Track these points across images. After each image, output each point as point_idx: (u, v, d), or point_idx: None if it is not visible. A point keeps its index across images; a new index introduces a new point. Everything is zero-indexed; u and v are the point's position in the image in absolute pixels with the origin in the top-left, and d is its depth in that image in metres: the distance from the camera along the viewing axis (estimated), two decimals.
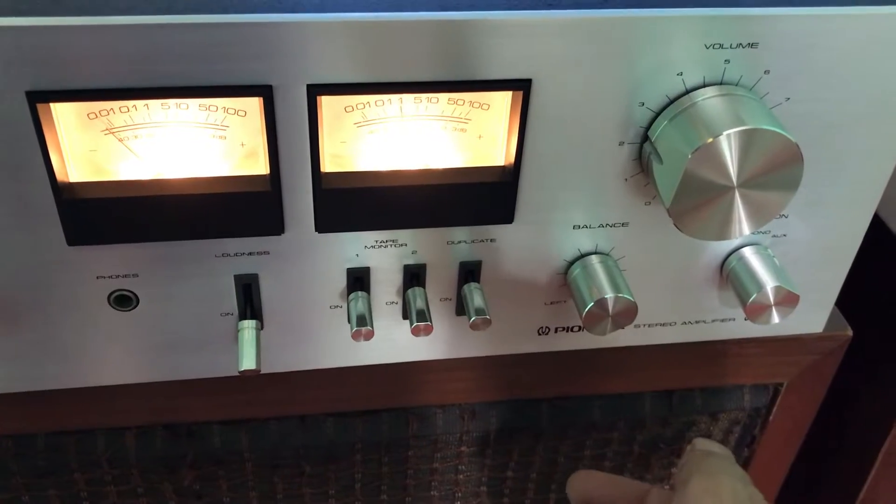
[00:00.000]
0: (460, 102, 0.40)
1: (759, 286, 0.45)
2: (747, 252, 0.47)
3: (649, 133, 0.40)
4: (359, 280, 0.44)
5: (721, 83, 0.39)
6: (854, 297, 0.56)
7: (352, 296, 0.44)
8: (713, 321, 0.51)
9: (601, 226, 0.44)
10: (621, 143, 0.41)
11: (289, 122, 0.38)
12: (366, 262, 0.44)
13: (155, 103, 0.37)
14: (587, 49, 0.38)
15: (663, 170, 0.39)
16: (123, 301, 0.43)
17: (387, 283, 0.45)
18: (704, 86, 0.39)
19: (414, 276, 0.45)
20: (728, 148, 0.37)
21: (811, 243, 0.48)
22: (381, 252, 0.44)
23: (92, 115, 0.37)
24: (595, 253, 0.46)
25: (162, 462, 0.53)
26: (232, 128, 0.39)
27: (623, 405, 0.57)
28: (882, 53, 0.40)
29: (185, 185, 0.39)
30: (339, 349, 0.48)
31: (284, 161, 0.39)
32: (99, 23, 0.33)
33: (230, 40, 0.35)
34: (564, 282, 0.46)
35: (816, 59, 0.40)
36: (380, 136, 0.40)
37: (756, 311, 0.46)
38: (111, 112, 0.37)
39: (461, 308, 0.46)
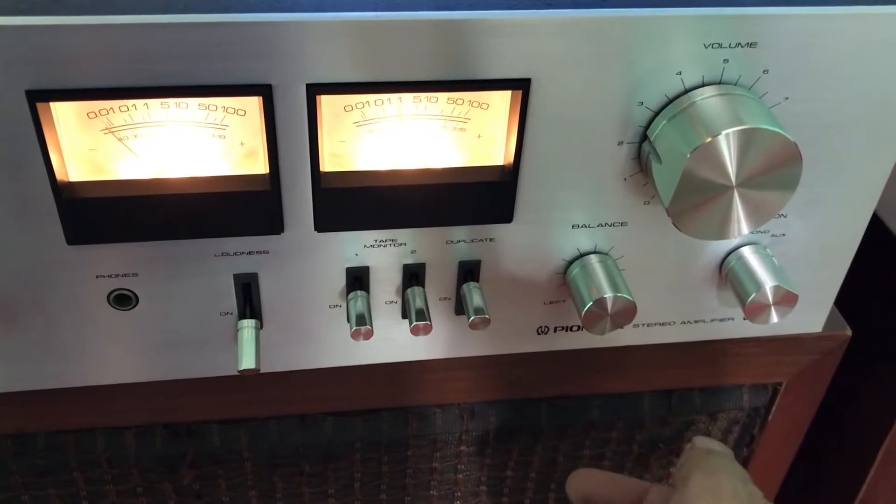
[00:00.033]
0: (459, 102, 0.40)
1: (758, 286, 0.45)
2: (746, 251, 0.47)
3: (648, 132, 0.40)
4: (358, 279, 0.44)
5: (720, 83, 0.39)
6: (853, 296, 0.56)
7: (351, 295, 0.44)
8: (712, 321, 0.51)
9: (600, 225, 0.44)
10: (620, 143, 0.41)
11: (288, 122, 0.38)
12: (365, 261, 0.44)
13: (154, 103, 0.37)
14: (586, 49, 0.38)
15: (662, 169, 0.39)
16: (123, 300, 0.43)
17: (386, 283, 0.45)
18: (703, 85, 0.39)
19: (413, 275, 0.45)
20: (727, 147, 0.37)
21: (810, 243, 0.48)
22: (380, 251, 0.44)
23: (92, 115, 0.37)
24: (594, 252, 0.46)
25: (161, 461, 0.53)
26: (231, 127, 0.39)
27: (622, 405, 0.57)
28: (881, 53, 0.40)
29: (184, 185, 0.39)
30: (338, 348, 0.48)
31: (284, 160, 0.39)
32: (99, 22, 0.33)
33: (229, 40, 0.35)
34: (563, 281, 0.46)
35: (815, 59, 0.40)
36: (379, 136, 0.40)
37: (755, 311, 0.46)
38: (111, 111, 0.37)
39: (460, 307, 0.46)
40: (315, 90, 0.37)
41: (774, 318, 0.46)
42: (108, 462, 0.52)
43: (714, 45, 0.38)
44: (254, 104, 0.38)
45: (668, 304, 0.49)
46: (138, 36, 0.34)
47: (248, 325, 0.44)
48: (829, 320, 0.53)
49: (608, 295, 0.44)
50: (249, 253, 0.42)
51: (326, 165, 0.40)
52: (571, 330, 0.49)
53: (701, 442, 0.45)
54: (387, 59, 0.37)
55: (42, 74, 0.34)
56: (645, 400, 0.57)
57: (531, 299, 0.47)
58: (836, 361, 0.58)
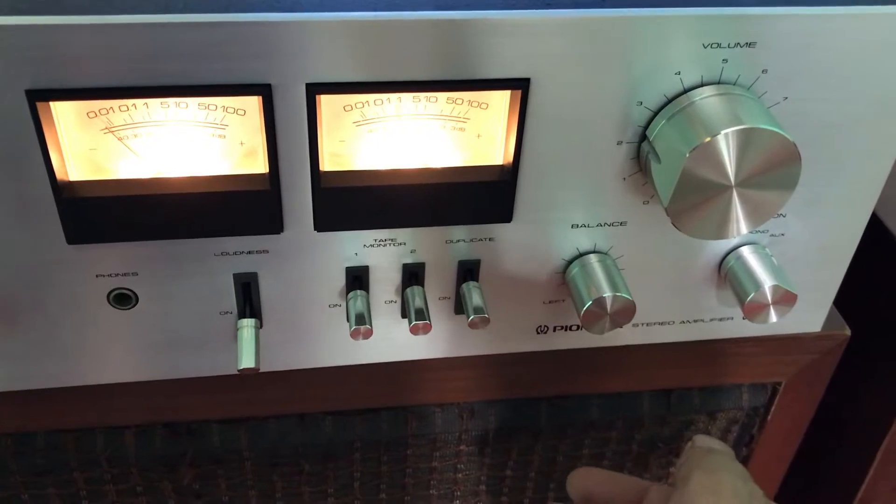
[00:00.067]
0: (459, 102, 0.40)
1: (757, 285, 0.45)
2: (745, 251, 0.47)
3: (647, 132, 0.40)
4: (358, 279, 0.45)
5: (719, 82, 0.39)
6: (852, 296, 0.56)
7: (350, 294, 0.44)
8: (711, 320, 0.51)
9: (599, 225, 0.45)
10: (619, 143, 0.41)
11: (288, 121, 0.38)
12: (365, 260, 0.44)
13: (154, 102, 0.37)
14: (585, 48, 0.38)
15: (661, 169, 0.39)
16: (123, 300, 0.43)
17: (386, 282, 0.45)
18: (702, 85, 0.39)
19: (413, 274, 0.45)
20: (726, 147, 0.37)
21: (809, 242, 0.48)
22: (379, 251, 0.44)
23: (91, 114, 0.37)
24: (593, 252, 0.46)
25: (161, 461, 0.53)
26: (231, 127, 0.39)
27: (621, 404, 0.57)
28: (880, 53, 0.40)
29: (184, 184, 0.39)
30: (337, 348, 0.48)
31: (283, 160, 0.39)
32: (98, 22, 0.34)
33: (229, 39, 0.35)
34: (563, 281, 0.46)
35: (814, 59, 0.40)
36: (379, 135, 0.40)
37: (754, 311, 0.46)
38: (111, 111, 0.37)
39: (460, 307, 0.46)
40: (315, 90, 0.37)
41: (773, 317, 0.46)
42: (108, 461, 0.52)
43: (713, 45, 0.38)
44: (253, 104, 0.38)
45: (667, 304, 0.49)
46: (138, 36, 0.34)
47: (247, 324, 0.44)
48: (829, 320, 0.53)
49: (607, 294, 0.44)
50: (249, 252, 0.42)
51: (326, 165, 0.40)
52: (571, 329, 0.49)
53: (701, 440, 0.45)
54: (386, 59, 0.37)
55: (42, 74, 0.34)
56: (644, 399, 0.57)
57: (530, 299, 0.47)
58: (836, 361, 0.58)
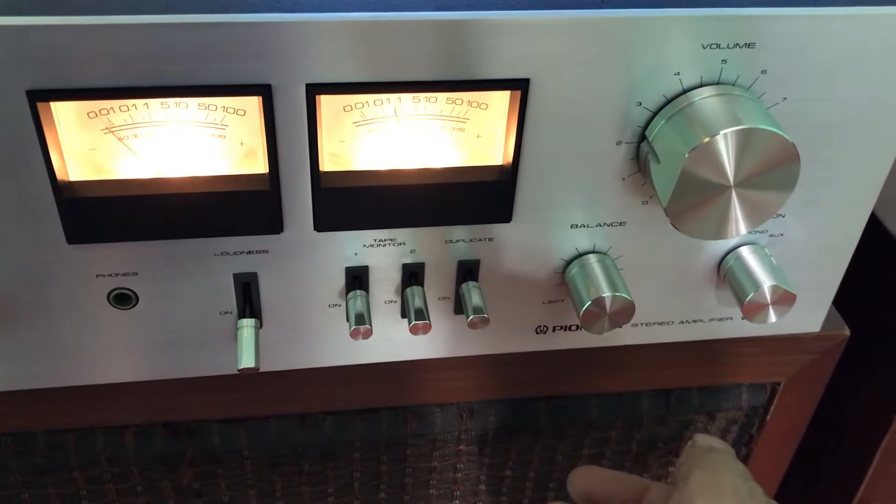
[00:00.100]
0: (459, 102, 0.40)
1: (756, 285, 0.45)
2: (744, 251, 0.47)
3: (647, 132, 0.41)
4: (357, 279, 0.45)
5: (718, 83, 0.40)
6: (851, 296, 0.56)
7: (350, 294, 0.45)
8: (710, 320, 0.51)
9: (599, 225, 0.45)
10: (619, 143, 0.41)
11: (288, 122, 0.38)
12: (364, 260, 0.44)
13: (154, 102, 0.37)
14: (585, 49, 0.38)
15: (660, 169, 0.39)
16: (123, 299, 0.43)
17: (385, 282, 0.45)
18: (701, 85, 0.39)
19: (412, 274, 0.45)
20: (725, 147, 0.37)
21: (808, 243, 0.48)
22: (379, 251, 0.44)
23: (92, 114, 0.37)
24: (593, 252, 0.46)
25: (161, 460, 0.53)
26: (231, 127, 0.39)
27: (621, 404, 0.57)
28: (880, 53, 0.40)
29: (184, 184, 0.39)
30: (337, 348, 0.48)
31: (283, 160, 0.39)
32: (99, 22, 0.34)
33: (229, 40, 0.35)
34: (562, 281, 0.47)
35: (813, 60, 0.40)
36: (378, 136, 0.40)
37: (753, 311, 0.46)
38: (111, 111, 0.37)
39: (459, 307, 0.46)
40: (315, 90, 0.37)
41: (773, 317, 0.46)
42: (108, 461, 0.52)
43: (712, 46, 0.38)
44: (253, 104, 0.38)
45: (666, 304, 0.49)
46: (138, 36, 0.34)
47: (247, 324, 0.44)
48: (828, 320, 0.53)
49: (606, 294, 0.44)
50: (249, 252, 0.43)
51: (326, 165, 0.40)
52: (570, 329, 0.49)
53: (702, 439, 0.45)
54: (386, 60, 0.37)
55: (42, 74, 0.35)
56: (643, 399, 0.57)
57: (530, 299, 0.47)
58: (835, 361, 0.58)
